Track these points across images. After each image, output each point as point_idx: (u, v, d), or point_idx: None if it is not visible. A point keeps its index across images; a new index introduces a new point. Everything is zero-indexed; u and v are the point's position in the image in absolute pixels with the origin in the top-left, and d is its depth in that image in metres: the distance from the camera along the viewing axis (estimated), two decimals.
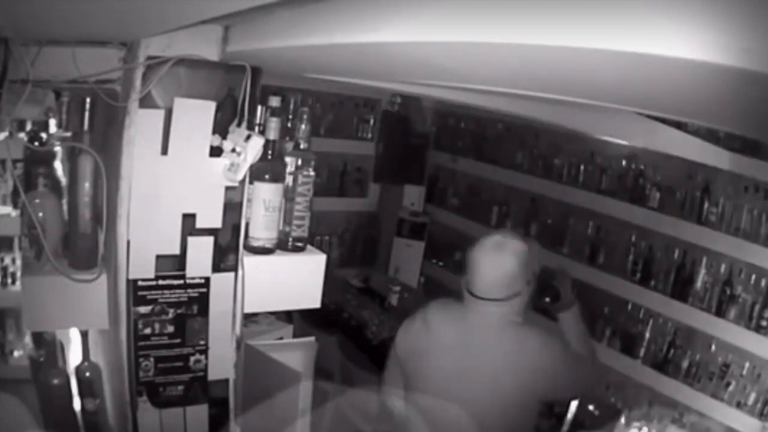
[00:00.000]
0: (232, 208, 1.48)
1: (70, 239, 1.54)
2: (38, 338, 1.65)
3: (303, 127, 1.60)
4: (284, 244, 1.60)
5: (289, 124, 1.69)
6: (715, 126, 1.73)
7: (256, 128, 1.50)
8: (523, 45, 0.68)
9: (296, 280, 1.63)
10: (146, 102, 1.34)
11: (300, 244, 1.62)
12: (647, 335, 2.46)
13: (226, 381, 1.58)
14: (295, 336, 2.22)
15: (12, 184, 1.65)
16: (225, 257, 1.50)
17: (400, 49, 0.89)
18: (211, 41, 1.36)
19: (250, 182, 1.50)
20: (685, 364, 2.31)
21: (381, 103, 3.52)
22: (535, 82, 1.11)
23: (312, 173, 1.60)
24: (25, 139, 1.53)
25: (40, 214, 1.49)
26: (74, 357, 1.65)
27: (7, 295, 1.79)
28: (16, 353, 1.82)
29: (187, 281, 1.47)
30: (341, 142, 3.45)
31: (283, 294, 1.63)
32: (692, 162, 2.19)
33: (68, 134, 1.57)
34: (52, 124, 1.57)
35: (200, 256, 1.47)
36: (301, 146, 1.60)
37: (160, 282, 1.44)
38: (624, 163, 2.57)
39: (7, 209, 1.70)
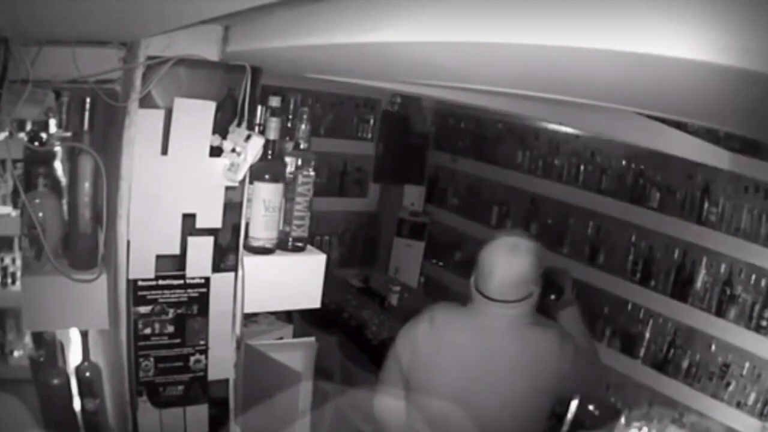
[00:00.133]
0: (232, 208, 1.48)
1: (70, 239, 1.54)
2: (38, 338, 1.65)
3: (303, 127, 1.60)
4: (284, 244, 1.60)
5: (289, 124, 1.69)
6: (715, 126, 1.73)
7: (256, 128, 1.50)
8: (523, 45, 0.68)
9: (296, 280, 1.63)
10: (146, 102, 1.34)
11: (300, 244, 1.62)
12: (647, 335, 2.46)
13: (226, 381, 1.58)
14: (295, 336, 2.22)
15: (12, 184, 1.65)
16: (225, 257, 1.50)
17: (400, 49, 0.89)
18: (211, 41, 1.36)
19: (250, 182, 1.50)
20: (685, 364, 2.32)
21: (381, 103, 3.51)
22: (535, 82, 1.11)
23: (312, 173, 1.60)
24: (25, 139, 1.53)
25: (40, 214, 1.49)
26: (74, 357, 1.65)
27: (7, 295, 1.79)
28: (16, 353, 1.82)
29: (187, 281, 1.47)
30: (341, 142, 3.45)
31: (283, 294, 1.63)
32: (692, 162, 2.19)
33: (68, 134, 1.57)
34: (52, 124, 1.57)
35: (200, 256, 1.47)
36: (301, 146, 1.60)
37: (160, 282, 1.44)
38: (624, 163, 2.57)
39: (7, 209, 1.70)
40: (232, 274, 1.52)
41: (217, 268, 1.49)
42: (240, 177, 1.42)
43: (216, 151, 1.41)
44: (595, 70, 0.77)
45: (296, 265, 1.62)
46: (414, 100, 3.47)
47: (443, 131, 3.57)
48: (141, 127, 1.35)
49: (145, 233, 1.41)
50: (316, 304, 1.66)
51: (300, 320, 2.40)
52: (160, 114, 1.36)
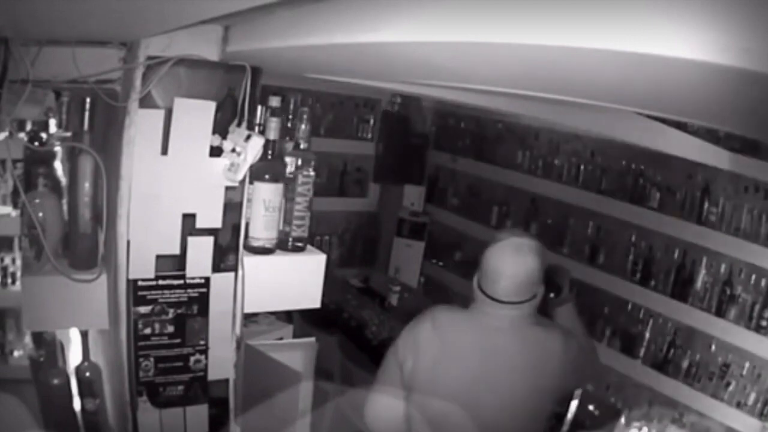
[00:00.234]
0: (232, 208, 1.48)
1: (70, 239, 1.54)
2: (38, 338, 1.65)
3: (303, 127, 1.60)
4: (284, 244, 1.60)
5: (289, 124, 1.69)
6: (715, 126, 1.73)
7: (256, 128, 1.50)
8: (523, 45, 0.68)
9: (296, 280, 1.63)
10: (146, 102, 1.34)
11: (300, 244, 1.62)
12: (647, 335, 2.46)
13: (226, 381, 1.58)
14: (295, 336, 2.23)
15: (12, 184, 1.66)
16: (225, 257, 1.50)
17: (400, 49, 0.89)
18: (211, 41, 1.36)
19: (250, 182, 1.50)
20: (685, 364, 2.32)
21: (381, 103, 3.51)
22: (535, 82, 1.11)
23: (312, 173, 1.60)
24: (25, 139, 1.53)
25: (40, 214, 1.49)
26: (74, 357, 1.65)
27: (7, 295, 1.79)
28: (16, 353, 1.82)
29: (187, 281, 1.47)
30: (341, 142, 3.45)
31: (283, 294, 1.63)
32: (692, 162, 2.19)
33: (68, 134, 1.57)
34: (52, 124, 1.57)
35: (200, 256, 1.47)
36: (301, 146, 1.60)
37: (160, 282, 1.44)
38: (624, 163, 2.57)
39: (7, 209, 1.70)
40: (232, 274, 1.52)
41: (217, 268, 1.49)
42: (240, 177, 1.42)
43: (216, 151, 1.41)
44: (595, 70, 0.77)
45: (296, 265, 1.62)
46: (414, 100, 3.47)
47: (443, 131, 3.57)
48: (141, 127, 1.35)
49: (145, 233, 1.41)
50: (316, 304, 1.65)
51: (300, 320, 2.40)
52: (160, 114, 1.36)
